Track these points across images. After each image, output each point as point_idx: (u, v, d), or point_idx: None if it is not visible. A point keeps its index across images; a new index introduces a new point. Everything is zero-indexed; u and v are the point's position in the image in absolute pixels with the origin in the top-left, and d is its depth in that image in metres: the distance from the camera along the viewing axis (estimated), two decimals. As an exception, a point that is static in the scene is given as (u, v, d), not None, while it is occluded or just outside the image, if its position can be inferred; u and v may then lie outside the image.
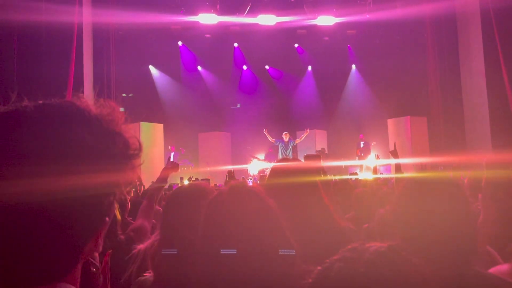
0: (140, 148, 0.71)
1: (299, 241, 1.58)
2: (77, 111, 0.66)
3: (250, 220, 1.15)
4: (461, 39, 12.07)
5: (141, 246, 1.69)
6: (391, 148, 13.39)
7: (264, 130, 12.64)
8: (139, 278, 1.44)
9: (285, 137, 12.36)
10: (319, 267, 0.82)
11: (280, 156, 12.20)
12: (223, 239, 1.13)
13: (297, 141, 12.53)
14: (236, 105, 16.39)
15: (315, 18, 13.91)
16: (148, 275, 1.42)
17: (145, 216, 2.50)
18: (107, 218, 0.67)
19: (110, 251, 1.68)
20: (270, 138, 12.52)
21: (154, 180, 3.01)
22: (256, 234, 1.13)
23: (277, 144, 12.48)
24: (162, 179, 2.77)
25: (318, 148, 13.71)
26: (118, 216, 2.47)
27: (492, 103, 10.61)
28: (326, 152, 13.28)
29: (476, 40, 11.15)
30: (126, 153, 0.68)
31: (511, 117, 9.74)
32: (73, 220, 0.60)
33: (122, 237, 2.46)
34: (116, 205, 2.09)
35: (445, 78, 12.25)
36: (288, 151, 12.25)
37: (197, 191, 1.47)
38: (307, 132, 12.37)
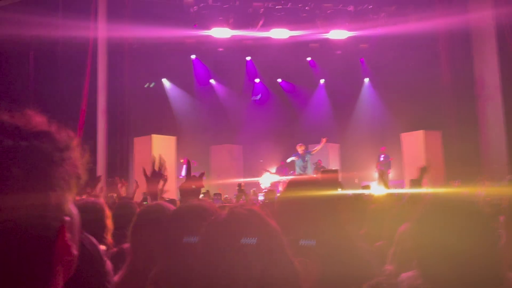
0: (69, 140, 0.68)
1: (311, 261, 1.55)
2: None
3: (251, 244, 1.11)
4: (476, 53, 11.97)
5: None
6: (417, 172, 13.18)
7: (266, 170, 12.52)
8: None
9: (300, 149, 12.03)
10: None
11: (297, 170, 11.92)
12: (222, 265, 1.09)
13: (314, 151, 12.19)
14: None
15: (328, 32, 13.94)
16: None
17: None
18: (66, 218, 0.64)
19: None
20: (287, 160, 12.21)
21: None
22: (257, 259, 1.10)
23: (293, 158, 12.07)
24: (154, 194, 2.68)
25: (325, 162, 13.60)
26: (110, 226, 2.42)
27: (508, 118, 10.44)
28: (322, 165, 13.04)
29: (491, 54, 11.04)
30: (54, 146, 0.64)
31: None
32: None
33: (114, 249, 2.40)
34: (109, 214, 2.05)
35: (459, 92, 12.11)
36: (305, 163, 11.89)
37: (199, 211, 1.45)
38: (324, 141, 11.90)
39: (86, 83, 9.56)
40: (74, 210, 0.67)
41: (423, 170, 3.59)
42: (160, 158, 2.80)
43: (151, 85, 14.73)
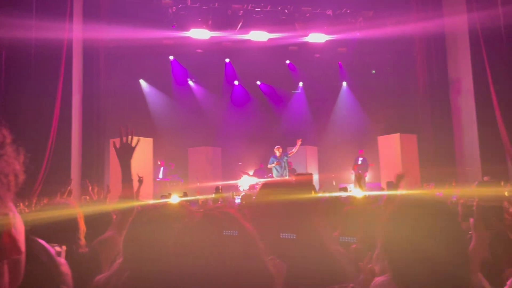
0: (3, 136, 0.65)
1: (284, 264, 1.53)
2: None
3: (225, 246, 1.10)
4: (450, 57, 12.26)
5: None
6: (370, 165, 13.38)
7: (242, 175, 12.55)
8: (97, 277, 1.38)
9: (277, 151, 12.12)
10: None
11: (274, 173, 11.95)
12: (195, 267, 1.07)
13: (291, 153, 12.26)
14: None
15: (307, 35, 14.05)
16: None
17: (117, 229, 2.39)
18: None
19: None
20: (268, 166, 12.23)
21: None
22: (231, 261, 1.08)
23: (271, 164, 12.07)
24: (128, 196, 2.62)
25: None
26: (82, 226, 2.37)
27: (480, 121, 10.71)
28: (293, 167, 13.11)
29: (465, 58, 11.32)
30: None
31: (500, 135, 9.82)
32: None
33: (86, 249, 2.36)
34: (81, 214, 2.00)
35: (435, 96, 12.37)
36: (283, 166, 11.96)
37: (172, 212, 1.41)
38: (299, 143, 11.95)
39: (60, 84, 9.34)
40: (13, 209, 0.64)
41: (400, 178, 3.62)
42: (128, 128, 2.72)
43: None
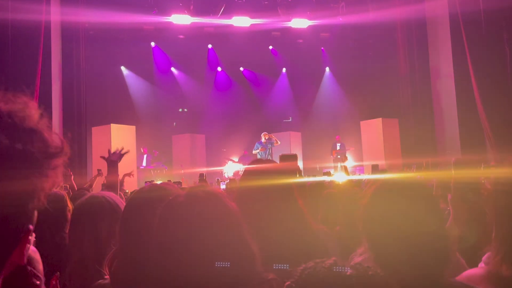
0: (62, 145, 0.64)
1: (269, 245, 1.55)
2: None
3: (207, 225, 1.11)
4: (431, 42, 12.39)
5: None
6: (351, 149, 13.64)
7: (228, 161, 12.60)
8: (97, 282, 1.38)
9: (264, 137, 12.10)
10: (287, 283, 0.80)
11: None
12: (177, 245, 1.09)
13: (276, 143, 12.32)
14: (289, 119, 16.23)
15: (289, 21, 13.98)
16: (106, 280, 1.36)
17: None
18: (30, 226, 0.60)
19: (57, 274, 1.60)
20: (253, 152, 12.28)
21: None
22: (213, 240, 1.09)
23: (256, 150, 12.16)
24: (113, 185, 2.62)
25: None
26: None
27: (460, 106, 10.90)
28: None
29: (445, 43, 11.44)
30: (46, 152, 0.61)
31: (479, 119, 10.03)
32: None
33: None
34: (70, 206, 1.99)
35: (416, 81, 12.52)
36: (267, 154, 12.00)
37: (158, 193, 1.41)
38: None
39: (38, 70, 9.11)
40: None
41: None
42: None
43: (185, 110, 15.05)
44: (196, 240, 1.08)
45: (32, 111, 0.62)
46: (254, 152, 12.21)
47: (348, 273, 0.76)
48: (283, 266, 1.13)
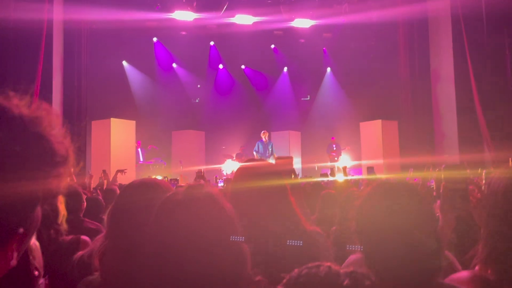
0: (67, 155, 0.66)
1: (259, 246, 1.57)
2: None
3: (203, 225, 1.13)
4: (432, 44, 12.38)
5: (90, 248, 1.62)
6: (347, 148, 13.69)
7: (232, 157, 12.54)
8: (87, 277, 1.39)
9: (264, 136, 11.92)
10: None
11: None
12: (172, 243, 1.10)
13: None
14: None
15: (292, 20, 13.98)
16: (96, 275, 1.37)
17: None
18: (21, 230, 0.62)
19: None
20: (254, 153, 12.04)
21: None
22: (207, 240, 1.11)
23: (256, 150, 11.93)
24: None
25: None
26: (63, 211, 2.37)
27: (460, 108, 10.90)
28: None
29: (446, 45, 11.43)
30: (51, 160, 0.63)
31: (478, 121, 10.04)
32: None
33: (66, 238, 2.36)
34: (61, 199, 2.01)
35: (416, 82, 12.52)
36: (268, 152, 11.87)
37: (149, 188, 1.42)
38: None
39: (39, 65, 9.12)
40: None
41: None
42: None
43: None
44: (191, 239, 1.10)
45: (52, 118, 0.65)
46: (254, 153, 12.06)
47: (344, 283, 0.75)
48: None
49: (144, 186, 1.41)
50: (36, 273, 1.12)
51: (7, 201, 0.57)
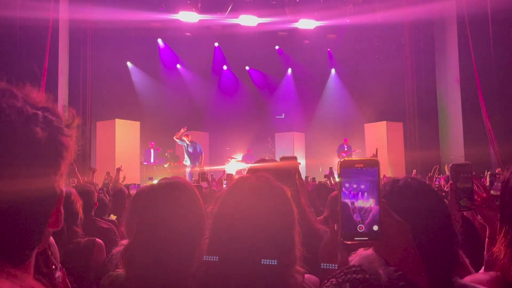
0: (74, 151, 0.67)
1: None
2: None
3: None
4: (438, 45, 12.36)
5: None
6: (373, 153, 13.59)
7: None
8: (111, 272, 1.39)
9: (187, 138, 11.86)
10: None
11: None
12: (242, 218, 1.19)
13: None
14: (281, 115, 16.26)
15: (297, 21, 13.98)
16: (119, 271, 1.37)
17: None
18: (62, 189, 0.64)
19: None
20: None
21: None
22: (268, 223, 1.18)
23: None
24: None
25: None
26: (80, 214, 2.35)
27: (465, 110, 10.87)
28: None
29: (452, 46, 11.41)
30: (66, 156, 0.64)
31: (483, 123, 10.00)
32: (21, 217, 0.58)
33: (81, 240, 2.32)
34: (81, 202, 2.01)
35: (421, 84, 12.50)
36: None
37: (173, 187, 1.43)
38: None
39: (45, 65, 9.17)
40: None
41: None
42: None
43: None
44: (257, 220, 1.19)
45: (73, 121, 0.67)
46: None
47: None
48: (271, 262, 1.15)
49: (173, 185, 1.44)
50: (54, 266, 1.13)
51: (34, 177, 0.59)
